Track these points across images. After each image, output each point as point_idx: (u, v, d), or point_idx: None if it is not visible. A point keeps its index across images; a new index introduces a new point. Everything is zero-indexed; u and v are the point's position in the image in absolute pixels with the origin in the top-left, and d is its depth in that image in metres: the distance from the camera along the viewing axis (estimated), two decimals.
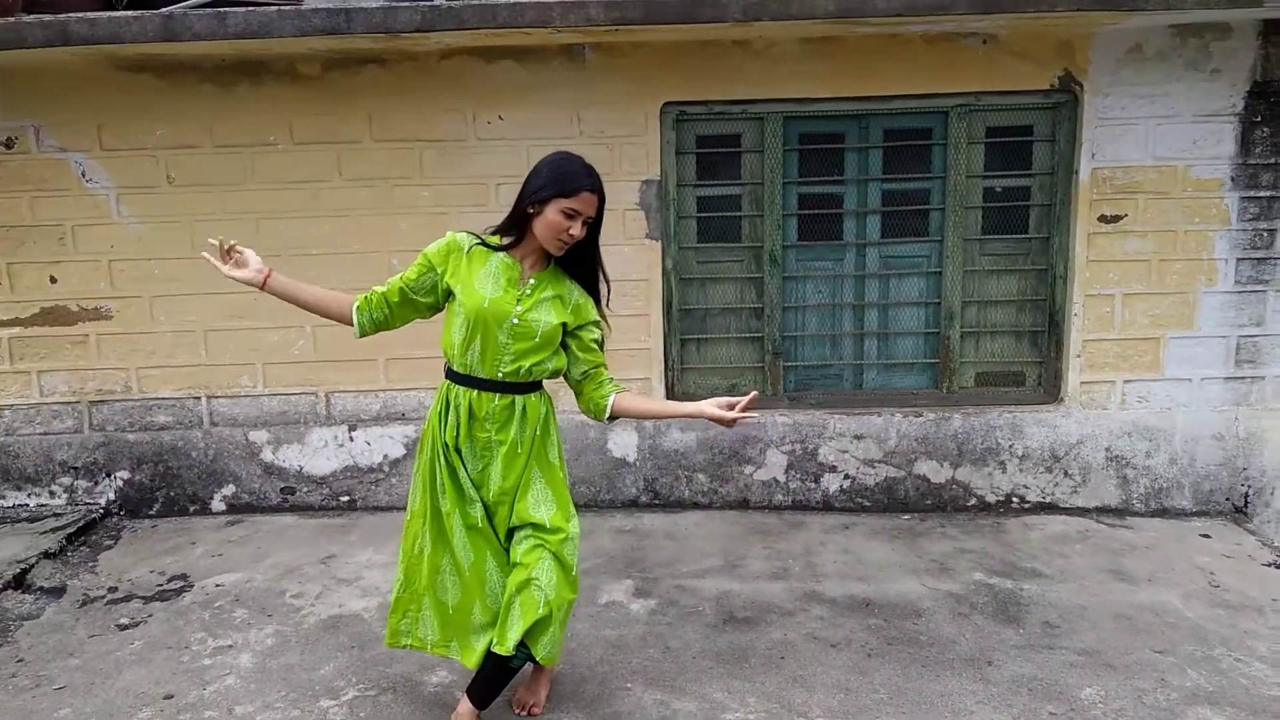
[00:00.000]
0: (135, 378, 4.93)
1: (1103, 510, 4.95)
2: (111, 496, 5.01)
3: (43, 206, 4.75)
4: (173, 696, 3.31)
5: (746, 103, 4.74)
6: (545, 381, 2.95)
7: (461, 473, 2.90)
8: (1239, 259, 4.73)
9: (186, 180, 4.75)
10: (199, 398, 4.96)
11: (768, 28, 4.32)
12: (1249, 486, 4.90)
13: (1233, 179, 4.67)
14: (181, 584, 4.21)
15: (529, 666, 3.13)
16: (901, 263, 4.94)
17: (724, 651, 3.54)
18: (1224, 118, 4.63)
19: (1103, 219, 4.72)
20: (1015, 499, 4.96)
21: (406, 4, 4.20)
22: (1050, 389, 4.97)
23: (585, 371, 2.95)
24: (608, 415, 2.95)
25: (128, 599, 4.08)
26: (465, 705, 3.00)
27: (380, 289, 2.93)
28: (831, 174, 4.88)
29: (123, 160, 4.73)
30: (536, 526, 2.86)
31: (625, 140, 4.74)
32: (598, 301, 2.97)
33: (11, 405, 4.92)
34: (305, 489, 5.04)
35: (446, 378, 2.93)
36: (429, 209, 4.79)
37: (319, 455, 5.01)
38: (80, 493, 5.01)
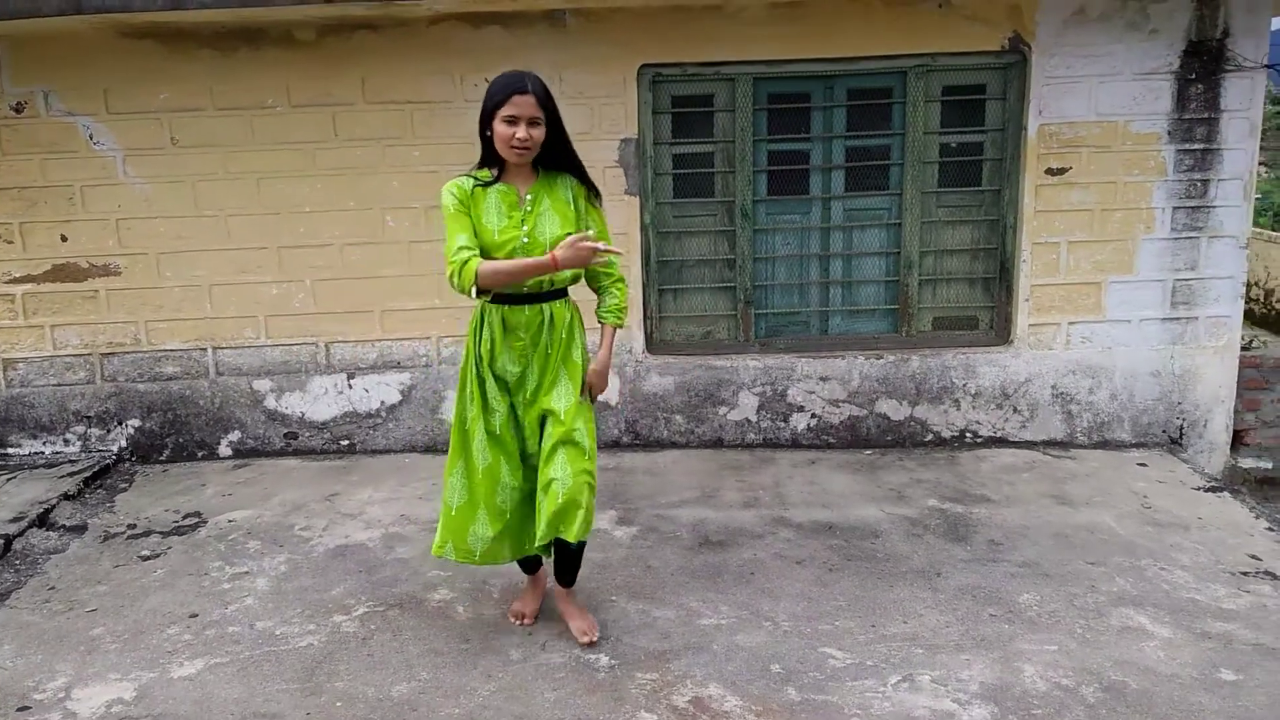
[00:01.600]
0: (144, 331, 5.20)
1: (1049, 443, 5.34)
2: (124, 443, 5.31)
3: (53, 168, 4.99)
4: (197, 615, 3.62)
5: (719, 64, 5.02)
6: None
7: (490, 384, 3.18)
8: (1175, 208, 5.08)
9: (190, 142, 5.00)
10: (205, 349, 5.25)
11: None
12: (1183, 419, 5.30)
13: (1169, 133, 5.00)
14: (196, 520, 4.52)
15: (540, 574, 3.54)
16: (864, 215, 5.26)
17: (699, 569, 3.90)
18: (1161, 75, 4.95)
19: (1049, 172, 5.05)
20: (968, 434, 5.34)
21: None
22: (1001, 331, 5.33)
23: (598, 272, 3.23)
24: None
25: (147, 534, 4.38)
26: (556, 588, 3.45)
27: (469, 250, 2.98)
28: (799, 132, 5.18)
29: (128, 123, 4.97)
30: (553, 414, 3.15)
31: (604, 101, 5.02)
32: (596, 193, 3.19)
33: (26, 358, 5.20)
34: (307, 434, 5.35)
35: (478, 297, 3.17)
36: (420, 167, 5.06)
37: (320, 402, 5.32)
38: (94, 440, 5.30)
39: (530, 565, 3.52)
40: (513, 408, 3.23)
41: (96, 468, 5.06)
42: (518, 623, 3.48)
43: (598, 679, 3.14)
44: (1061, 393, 5.28)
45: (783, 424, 5.34)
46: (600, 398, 5.20)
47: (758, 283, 5.34)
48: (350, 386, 5.31)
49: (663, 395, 5.30)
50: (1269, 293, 7.58)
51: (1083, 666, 3.17)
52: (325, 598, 3.73)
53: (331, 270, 5.17)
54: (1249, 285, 6.53)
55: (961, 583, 3.76)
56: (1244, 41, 4.89)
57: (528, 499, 3.26)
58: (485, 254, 3.02)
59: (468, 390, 3.22)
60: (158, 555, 4.16)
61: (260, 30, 4.87)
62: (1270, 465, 5.37)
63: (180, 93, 4.94)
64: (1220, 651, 3.26)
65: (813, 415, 5.33)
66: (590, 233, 3.07)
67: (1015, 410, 5.30)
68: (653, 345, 5.33)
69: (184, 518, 4.56)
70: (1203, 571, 3.83)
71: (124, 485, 5.00)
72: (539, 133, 2.97)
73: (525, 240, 3.04)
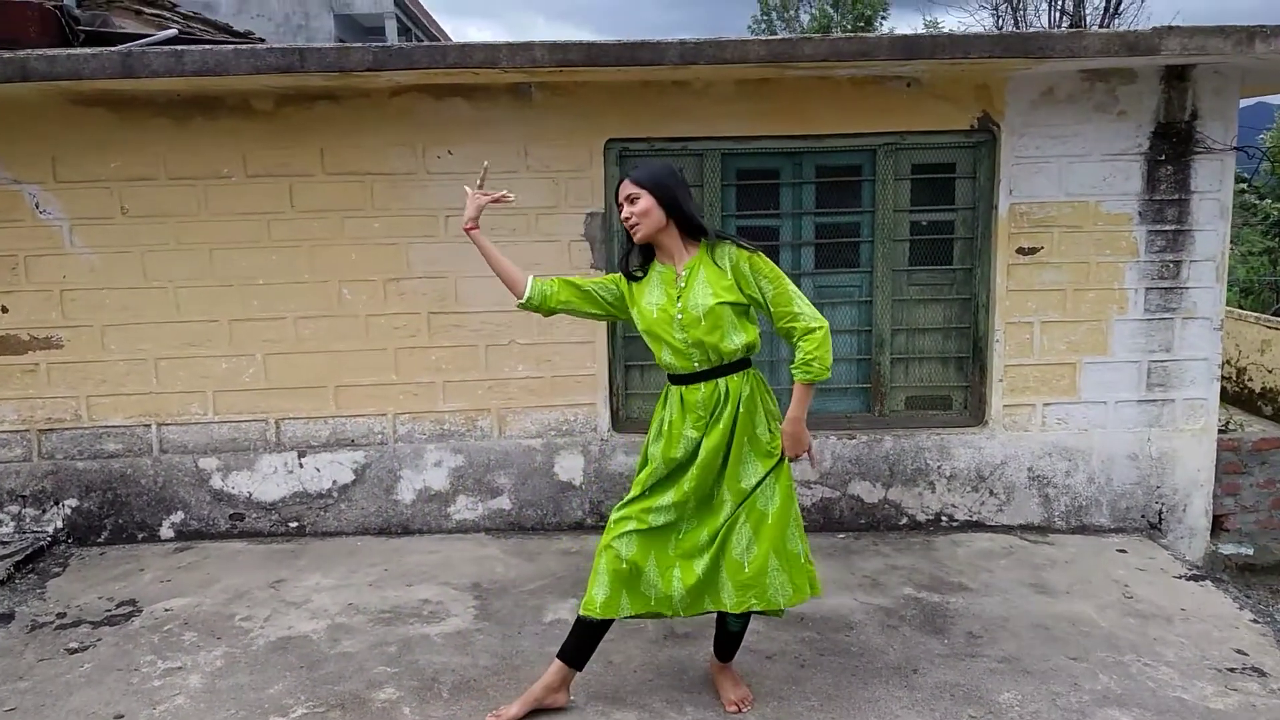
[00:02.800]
0: (85, 406, 4.98)
1: (1026, 527, 5.19)
2: (60, 524, 5.04)
3: None
4: (123, 716, 3.37)
5: (686, 139, 4.96)
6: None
7: (673, 451, 3.16)
8: (1148, 288, 5.03)
9: (140, 211, 4.85)
10: (149, 425, 5.02)
11: (703, 70, 4.55)
12: (1162, 504, 5.17)
13: (1140, 214, 4.97)
14: (130, 609, 4.26)
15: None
16: (835, 292, 5.17)
17: (664, 665, 3.68)
18: (1131, 156, 4.93)
19: (1021, 251, 5.00)
20: (944, 517, 5.19)
21: (358, 45, 4.36)
22: (975, 412, 5.21)
23: (785, 328, 3.12)
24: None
25: (76, 624, 4.12)
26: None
27: (558, 278, 3.31)
28: (768, 208, 5.11)
29: (77, 192, 4.81)
30: (743, 493, 3.13)
31: (570, 175, 4.93)
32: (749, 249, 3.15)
33: None
34: (254, 515, 5.11)
35: (667, 379, 3.27)
36: (380, 239, 4.93)
37: (268, 481, 5.09)
38: (28, 520, 5.03)
39: (584, 652, 3.36)
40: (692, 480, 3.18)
41: (29, 550, 4.79)
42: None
43: None
44: (1038, 475, 5.15)
45: None
46: (564, 478, 5.06)
47: None
48: (301, 465, 5.09)
49: (628, 474, 5.12)
50: (1241, 370, 7.55)
51: None
52: (262, 696, 3.49)
53: (284, 344, 4.99)
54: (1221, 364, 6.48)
55: (939, 680, 3.57)
56: (1212, 124, 4.89)
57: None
58: (647, 329, 3.18)
59: (657, 467, 3.21)
60: (86, 648, 3.90)
61: (216, 99, 4.76)
62: (1251, 551, 5.25)
63: (132, 161, 4.80)
64: None
65: None
66: (504, 194, 3.37)
67: (991, 493, 5.16)
68: (619, 423, 5.17)
69: (118, 606, 4.30)
70: (1188, 667, 3.67)
71: (57, 569, 4.73)
72: (638, 207, 3.10)
73: (680, 316, 3.10)
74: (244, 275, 4.92)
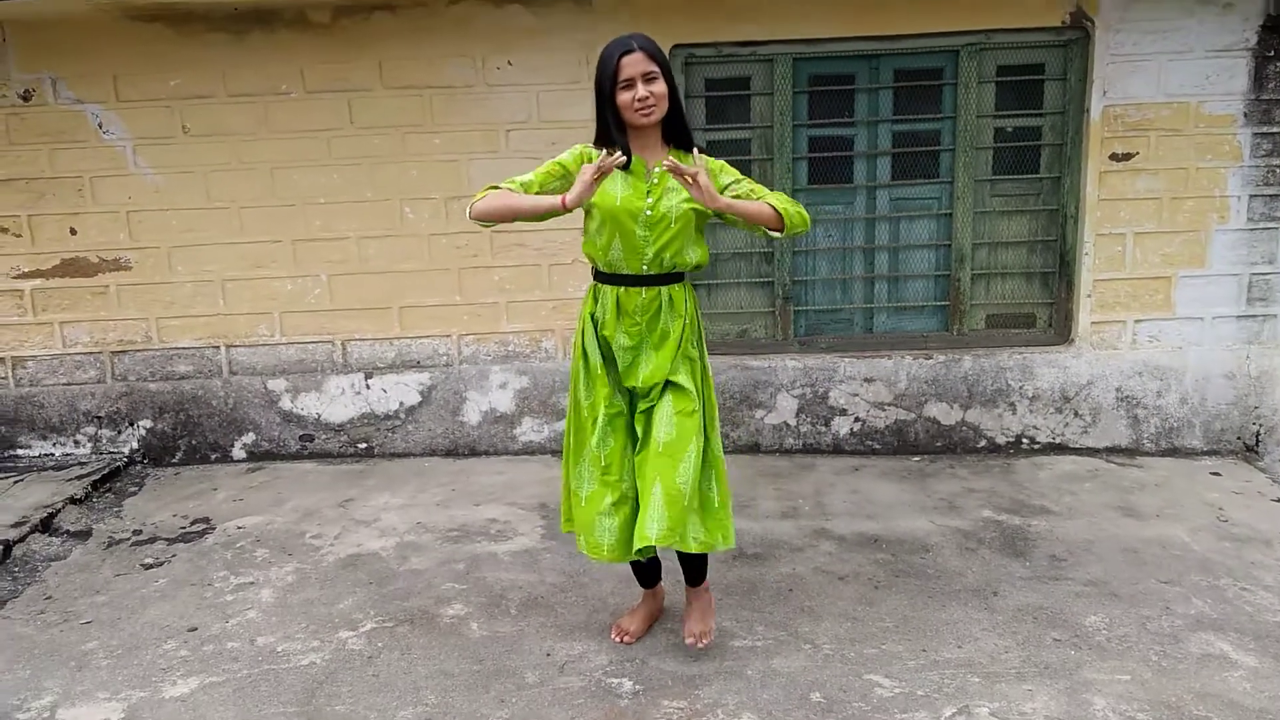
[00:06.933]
0: (155, 328, 5.01)
1: (1113, 450, 4.97)
2: (135, 445, 5.12)
3: (61, 158, 4.80)
4: (196, 629, 3.40)
5: (756, 44, 4.73)
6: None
7: (596, 365, 2.98)
8: (1251, 196, 4.71)
9: (201, 130, 4.80)
10: (218, 347, 5.04)
11: None
12: (1260, 425, 4.91)
13: (1245, 115, 4.63)
14: (204, 527, 4.31)
15: (658, 590, 3.34)
16: (912, 205, 4.94)
17: (733, 584, 3.61)
18: (1237, 53, 4.58)
19: (1114, 157, 4.70)
20: (1025, 440, 4.99)
21: None
22: (1061, 330, 4.97)
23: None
24: None
25: (152, 540, 4.19)
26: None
27: (509, 184, 2.85)
28: (842, 116, 4.87)
29: (138, 111, 4.77)
30: (674, 386, 2.94)
31: None
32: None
33: (35, 356, 5.02)
34: (323, 436, 5.13)
35: (594, 279, 3.02)
36: (440, 156, 4.82)
37: (336, 403, 5.09)
38: (105, 441, 5.12)
39: (649, 577, 3.29)
40: (629, 396, 3.02)
41: (106, 470, 4.87)
42: (618, 639, 3.23)
43: (620, 706, 2.87)
44: (1127, 396, 4.91)
45: (824, 428, 5.03)
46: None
47: (797, 278, 5.02)
48: (368, 387, 5.08)
49: None
50: None
51: (1159, 699, 2.84)
52: (332, 611, 3.50)
53: (348, 265, 4.94)
54: None
55: (1021, 602, 3.43)
56: None
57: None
58: (603, 219, 2.87)
59: (579, 371, 3.03)
60: (161, 564, 3.96)
61: (273, 11, 4.66)
62: None
63: (191, 79, 4.74)
64: None
65: (856, 419, 5.01)
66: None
67: (1076, 414, 4.94)
68: None
69: (192, 524, 4.36)
70: None
71: (134, 489, 4.81)
72: (659, 87, 2.79)
73: (649, 212, 2.85)
74: (306, 195, 4.86)
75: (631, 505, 3.00)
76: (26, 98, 4.74)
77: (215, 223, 4.90)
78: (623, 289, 2.94)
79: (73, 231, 4.89)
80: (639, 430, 3.01)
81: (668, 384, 2.95)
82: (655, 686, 2.96)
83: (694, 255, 2.96)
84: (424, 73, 4.75)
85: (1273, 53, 4.57)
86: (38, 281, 4.94)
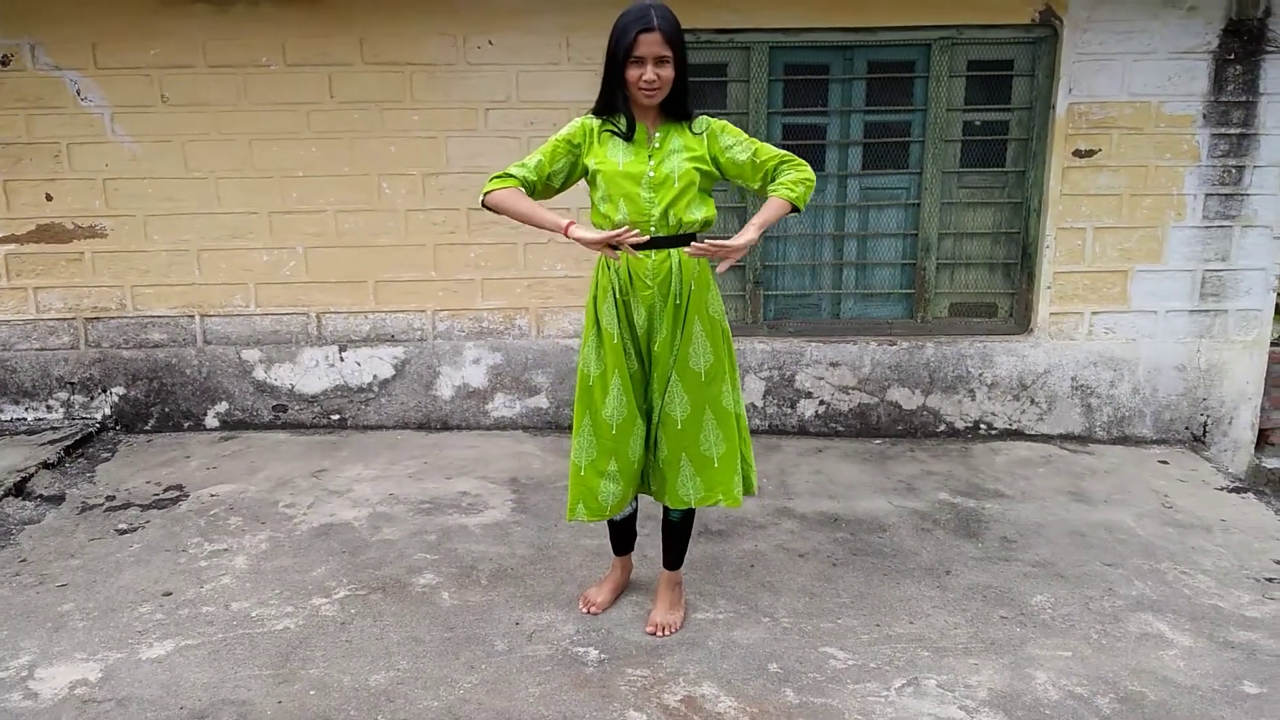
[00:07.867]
0: (130, 295, 5.03)
1: (1066, 437, 5.14)
2: (108, 411, 5.15)
3: (39, 124, 4.80)
4: (171, 593, 3.46)
5: (734, 32, 4.80)
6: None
7: (616, 333, 2.98)
8: (1208, 194, 4.86)
9: (180, 100, 4.81)
10: (192, 316, 5.07)
11: None
12: (1208, 416, 5.09)
13: (1204, 115, 4.77)
14: (177, 494, 4.36)
15: (628, 559, 3.42)
16: (881, 194, 5.05)
17: (697, 560, 3.71)
18: (1198, 55, 4.71)
19: (1077, 153, 4.83)
20: (983, 425, 5.15)
21: None
22: (1021, 320, 5.12)
23: (764, 174, 2.92)
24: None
25: (125, 506, 4.23)
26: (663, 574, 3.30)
27: (521, 170, 2.92)
28: (815, 105, 4.96)
29: (117, 79, 4.77)
30: (694, 376, 2.97)
31: None
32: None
33: (9, 321, 5.03)
34: (297, 407, 5.18)
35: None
36: (418, 132, 4.87)
37: (310, 374, 5.15)
38: (77, 407, 5.14)
39: (624, 541, 3.37)
40: (641, 361, 3.04)
41: (79, 436, 4.90)
42: (585, 610, 3.32)
43: (586, 673, 2.98)
44: (1081, 385, 5.08)
45: (789, 410, 5.15)
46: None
47: (768, 262, 5.13)
48: (342, 359, 5.13)
49: None
50: None
51: (1098, 675, 2.99)
52: (305, 579, 3.57)
53: (324, 238, 4.98)
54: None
55: (971, 581, 3.58)
56: None
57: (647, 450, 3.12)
58: (606, 186, 2.90)
59: (590, 342, 3.04)
60: (135, 529, 4.01)
61: None
62: None
63: (172, 48, 4.74)
64: (1243, 663, 3.07)
65: (821, 402, 5.14)
66: (632, 231, 2.79)
67: (1033, 402, 5.10)
68: None
69: (165, 490, 4.40)
70: (1225, 576, 3.64)
71: (106, 455, 4.85)
72: (667, 73, 2.80)
73: (651, 174, 2.87)
74: (284, 167, 4.89)
75: (634, 473, 3.07)
76: (4, 63, 4.72)
77: (192, 192, 4.92)
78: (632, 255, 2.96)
79: (48, 197, 4.89)
80: (655, 402, 3.05)
81: (683, 353, 2.98)
82: (620, 655, 3.07)
83: (700, 213, 2.93)
84: (405, 49, 4.78)
85: (1233, 56, 4.71)
86: (12, 246, 4.94)
